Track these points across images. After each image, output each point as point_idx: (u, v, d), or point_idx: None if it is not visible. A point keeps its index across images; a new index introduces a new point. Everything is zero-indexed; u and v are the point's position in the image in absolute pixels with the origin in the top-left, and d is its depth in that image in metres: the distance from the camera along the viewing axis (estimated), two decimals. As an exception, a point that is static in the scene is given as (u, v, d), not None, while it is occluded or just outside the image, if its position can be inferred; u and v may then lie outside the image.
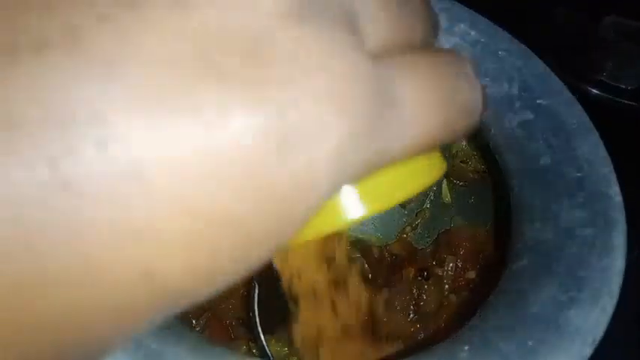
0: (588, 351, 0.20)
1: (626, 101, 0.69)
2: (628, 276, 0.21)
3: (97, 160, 0.08)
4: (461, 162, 0.40)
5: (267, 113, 0.09)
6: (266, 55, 0.09)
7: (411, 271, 0.39)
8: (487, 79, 0.30)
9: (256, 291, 0.35)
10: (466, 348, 0.20)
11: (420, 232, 0.43)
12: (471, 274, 0.37)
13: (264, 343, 0.34)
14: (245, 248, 0.10)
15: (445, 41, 0.31)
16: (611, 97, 0.69)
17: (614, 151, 0.63)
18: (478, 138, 0.30)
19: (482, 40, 0.30)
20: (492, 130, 0.28)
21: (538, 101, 0.28)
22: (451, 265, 0.38)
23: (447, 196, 0.42)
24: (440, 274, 0.38)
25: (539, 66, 0.29)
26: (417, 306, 0.38)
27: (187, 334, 0.20)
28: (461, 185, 0.41)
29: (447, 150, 0.40)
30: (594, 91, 0.70)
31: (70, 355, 0.09)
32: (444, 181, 0.42)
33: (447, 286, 0.38)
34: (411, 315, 0.37)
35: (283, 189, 0.09)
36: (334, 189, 0.10)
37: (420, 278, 0.39)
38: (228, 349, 0.35)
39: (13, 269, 0.08)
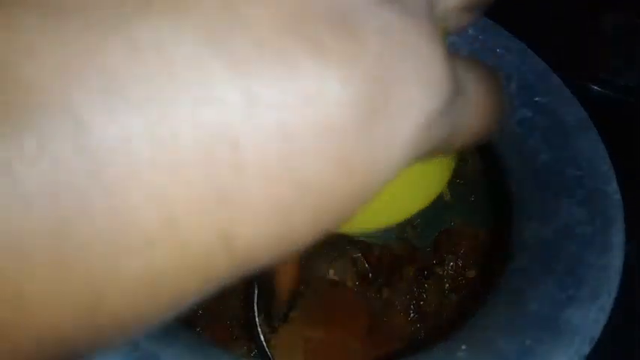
0: (586, 349, 0.20)
1: (627, 98, 0.68)
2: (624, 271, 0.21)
3: (191, 121, 0.08)
4: (460, 161, 0.40)
5: (360, 87, 0.09)
6: (357, 30, 0.09)
7: (411, 271, 0.39)
8: (485, 77, 0.30)
9: (256, 292, 0.35)
10: (464, 347, 0.20)
11: (420, 232, 0.43)
12: (472, 273, 0.37)
13: (263, 343, 0.34)
14: (320, 218, 0.10)
15: (443, 39, 0.31)
16: (612, 93, 0.69)
17: (615, 148, 0.63)
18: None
19: (480, 37, 0.30)
20: (491, 129, 0.28)
21: (536, 99, 0.28)
22: (451, 264, 0.38)
23: (447, 194, 0.41)
24: (440, 273, 0.38)
25: (538, 64, 0.29)
26: (418, 305, 0.38)
27: (183, 334, 0.20)
28: (461, 184, 0.41)
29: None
30: (595, 88, 0.70)
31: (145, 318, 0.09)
32: (445, 180, 0.42)
33: (447, 286, 0.38)
34: (412, 314, 0.37)
35: (365, 161, 0.10)
36: (404, 165, 0.10)
37: (420, 278, 0.39)
38: (226, 349, 0.35)
39: (107, 228, 0.08)
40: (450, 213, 0.41)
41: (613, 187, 0.24)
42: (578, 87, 0.70)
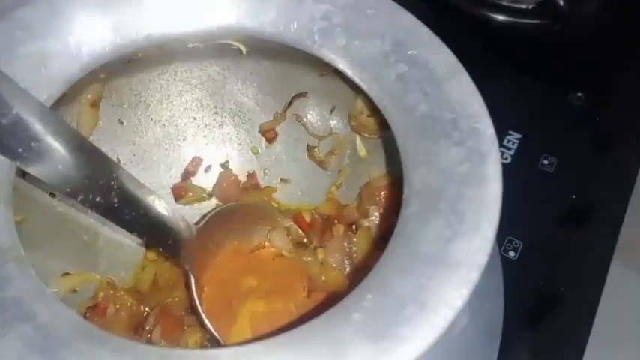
0: (475, 276, 0.22)
1: (528, 21, 0.71)
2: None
3: None
4: (367, 116, 0.42)
5: None
6: None
7: (340, 228, 0.41)
8: (361, 38, 0.31)
9: (192, 280, 0.36)
10: (369, 296, 0.22)
11: (344, 190, 0.45)
12: (394, 220, 0.40)
13: (210, 327, 0.35)
14: None
15: (316, 9, 0.32)
16: (514, 19, 0.72)
17: (522, 70, 0.66)
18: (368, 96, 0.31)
19: (351, 2, 0.31)
20: (374, 87, 0.30)
21: (409, 52, 0.30)
22: (375, 214, 0.40)
23: (362, 151, 0.43)
24: (367, 224, 0.40)
25: (408, 19, 0.31)
26: (351, 259, 0.40)
27: (112, 340, 0.21)
28: (372, 138, 0.43)
29: (353, 107, 0.42)
30: (498, 17, 0.73)
31: None
32: (357, 138, 0.44)
33: (374, 236, 0.40)
34: (347, 269, 0.40)
35: None
36: None
37: (349, 232, 0.41)
38: (178, 340, 0.36)
39: None
40: (367, 167, 0.43)
41: (485, 123, 0.26)
42: (482, 18, 0.73)
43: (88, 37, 0.31)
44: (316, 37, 0.32)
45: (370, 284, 0.23)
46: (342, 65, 0.31)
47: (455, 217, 0.24)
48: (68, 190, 0.28)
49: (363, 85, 0.30)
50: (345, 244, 0.40)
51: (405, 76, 0.29)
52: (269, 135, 0.46)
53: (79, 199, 0.29)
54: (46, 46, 0.30)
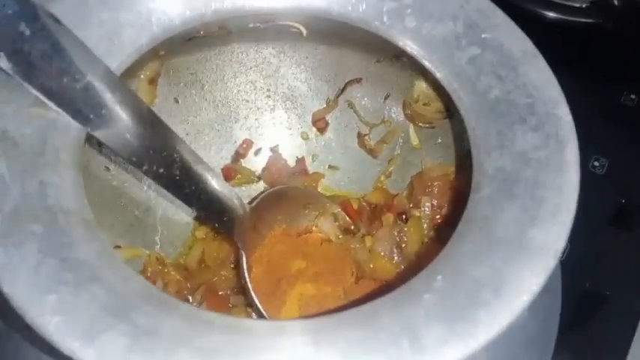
0: (552, 263, 0.22)
1: (581, 19, 0.70)
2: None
3: None
4: (424, 105, 0.41)
5: None
6: None
7: (390, 217, 0.40)
8: (432, 20, 0.30)
9: (244, 259, 0.36)
10: (439, 278, 0.22)
11: (394, 179, 0.44)
12: (446, 210, 0.39)
13: (258, 305, 0.35)
14: None
15: (388, -11, 0.31)
16: (566, 17, 0.71)
17: (574, 69, 0.65)
18: (432, 80, 0.31)
19: (423, -17, 0.31)
20: (443, 71, 0.29)
21: (483, 36, 0.29)
22: (427, 204, 0.40)
23: (415, 140, 0.43)
24: (418, 215, 0.40)
25: (481, 1, 0.30)
26: (400, 249, 0.39)
27: (181, 306, 0.21)
28: (427, 127, 0.42)
29: (409, 95, 0.41)
30: (550, 14, 0.71)
31: None
32: (411, 126, 0.43)
33: (425, 226, 0.39)
34: (396, 258, 0.39)
35: None
36: None
37: (399, 222, 0.40)
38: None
39: None
40: (419, 156, 0.42)
41: (563, 110, 0.26)
42: (534, 15, 0.71)
43: (159, 9, 0.31)
44: (385, 18, 0.31)
45: (440, 267, 0.23)
46: (410, 48, 0.31)
47: (532, 202, 0.23)
48: (134, 159, 0.29)
49: (432, 69, 0.30)
50: (395, 233, 0.39)
51: (477, 60, 0.29)
52: (320, 124, 0.45)
53: (143, 168, 0.29)
54: (119, 15, 0.30)
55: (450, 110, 0.37)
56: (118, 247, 0.39)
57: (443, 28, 0.30)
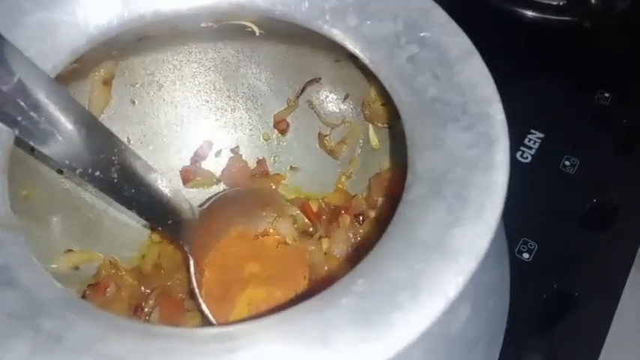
0: (473, 265, 0.21)
1: (557, 17, 0.69)
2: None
3: None
4: (382, 105, 0.41)
5: None
6: None
7: (346, 218, 0.40)
8: (374, 19, 0.30)
9: (191, 262, 0.36)
10: (360, 281, 0.21)
11: (354, 180, 0.44)
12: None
13: (205, 309, 0.35)
14: None
15: (328, -12, 0.31)
16: (543, 16, 0.70)
17: (550, 67, 0.64)
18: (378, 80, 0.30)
19: (365, -19, 0.30)
20: (384, 70, 0.29)
21: (422, 34, 0.28)
22: (385, 206, 0.39)
23: (374, 140, 0.42)
24: (374, 216, 0.39)
25: (424, 1, 0.30)
26: (356, 250, 0.39)
27: (90, 311, 0.21)
28: (385, 128, 0.42)
29: (367, 94, 0.41)
30: (529, 13, 0.71)
31: None
32: (370, 127, 0.43)
33: (382, 228, 0.39)
34: (352, 260, 0.38)
35: None
36: None
37: (356, 223, 0.40)
38: (178, 323, 0.36)
39: None
40: (379, 158, 0.42)
41: (495, 109, 0.25)
42: (514, 15, 0.71)
43: (96, 9, 0.31)
44: (327, 17, 0.31)
45: (363, 269, 0.22)
46: (351, 46, 0.30)
47: (458, 202, 0.23)
48: (67, 162, 0.28)
49: (373, 67, 0.29)
50: (350, 234, 0.39)
51: (416, 58, 0.28)
52: (281, 126, 0.45)
53: (77, 172, 0.28)
54: (53, 16, 0.30)
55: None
56: (70, 250, 0.39)
57: (383, 27, 0.29)
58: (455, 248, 0.22)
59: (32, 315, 0.20)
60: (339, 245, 0.38)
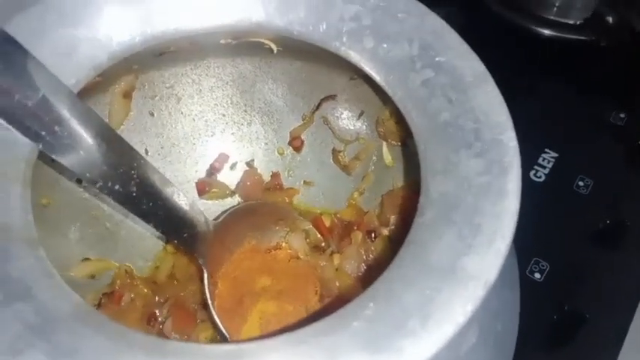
0: (481, 293, 0.21)
1: (574, 37, 0.69)
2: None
3: None
4: (396, 123, 0.41)
5: None
6: None
7: (358, 235, 0.40)
8: (389, 42, 0.30)
9: (205, 275, 0.36)
10: (371, 305, 0.22)
11: (367, 196, 0.44)
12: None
13: (218, 322, 0.35)
14: None
15: (345, 10, 0.31)
16: (560, 34, 0.70)
17: (566, 87, 0.64)
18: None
19: (382, 4, 0.31)
20: (399, 92, 0.29)
21: (437, 59, 0.29)
22: (397, 224, 0.40)
23: (387, 158, 0.43)
24: (386, 234, 0.40)
25: (437, 24, 0.30)
26: (367, 267, 0.39)
27: (106, 325, 0.21)
28: (399, 146, 0.42)
29: (382, 112, 0.41)
30: (545, 31, 0.71)
31: None
32: (384, 144, 0.43)
33: (393, 245, 0.39)
34: (362, 277, 0.39)
35: None
36: None
37: (368, 240, 0.40)
38: (191, 333, 0.36)
39: None
40: (392, 175, 0.42)
41: (509, 136, 0.26)
42: (530, 33, 0.71)
43: (119, 26, 0.32)
44: (344, 39, 0.32)
45: (375, 293, 0.23)
46: (368, 68, 0.31)
47: (469, 229, 0.23)
48: (88, 175, 0.29)
49: (388, 89, 0.30)
50: (362, 251, 0.39)
51: (430, 82, 0.28)
52: (296, 143, 0.45)
53: (97, 185, 0.29)
54: (77, 32, 0.31)
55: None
56: (87, 259, 0.40)
57: (399, 50, 0.30)
58: (465, 275, 0.22)
59: (48, 328, 0.21)
60: (350, 262, 0.39)
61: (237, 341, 0.21)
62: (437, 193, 0.25)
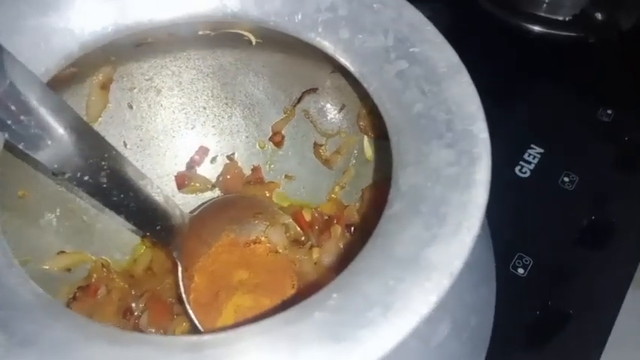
0: (445, 283, 0.21)
1: (564, 33, 0.69)
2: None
3: None
4: (373, 115, 0.41)
5: None
6: None
7: (338, 229, 0.40)
8: (365, 33, 0.30)
9: (179, 268, 0.36)
10: (335, 295, 0.22)
11: (348, 190, 0.44)
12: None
13: (192, 316, 0.35)
14: None
15: (322, 0, 0.31)
16: (549, 30, 0.70)
17: (553, 83, 0.64)
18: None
19: (357, -6, 0.31)
20: (373, 83, 0.29)
21: (411, 50, 0.29)
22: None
23: (368, 152, 0.42)
24: (366, 228, 0.39)
25: (414, 16, 0.30)
26: (346, 261, 0.39)
27: (65, 315, 0.21)
28: (380, 141, 0.42)
29: (363, 106, 0.41)
30: (534, 28, 0.71)
31: None
32: (365, 138, 0.43)
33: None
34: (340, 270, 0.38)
35: None
36: None
37: (347, 234, 0.40)
38: (166, 328, 0.36)
39: None
40: (372, 169, 0.42)
41: (479, 127, 0.25)
42: (519, 29, 0.71)
43: (91, 16, 0.31)
44: (320, 29, 0.31)
45: (339, 284, 0.22)
46: (343, 59, 0.30)
47: (436, 220, 0.23)
48: (55, 166, 0.28)
49: (363, 81, 0.29)
50: (341, 245, 0.39)
51: (404, 73, 0.28)
52: (276, 138, 0.45)
53: (66, 176, 0.29)
54: (48, 21, 0.30)
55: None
56: (62, 252, 0.39)
57: (374, 41, 0.30)
58: (429, 266, 0.22)
59: (7, 318, 0.20)
60: (329, 255, 0.39)
61: (201, 333, 0.21)
62: (406, 185, 0.25)
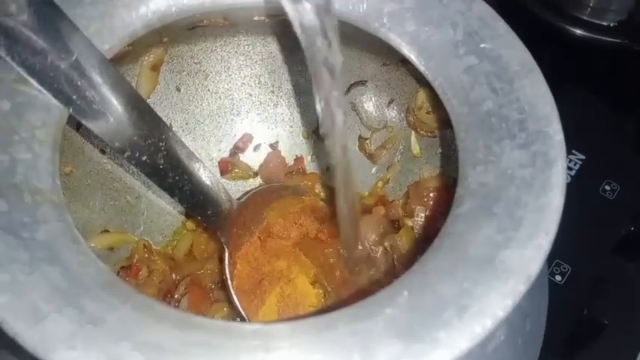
0: (522, 288, 0.21)
1: (608, 38, 0.68)
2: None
3: None
4: (427, 113, 0.40)
5: None
6: None
7: (381, 209, 0.39)
8: (432, 25, 0.30)
9: (226, 254, 0.36)
10: (405, 293, 0.21)
11: (391, 186, 0.43)
12: (441, 223, 0.38)
13: (236, 303, 0.35)
14: None
15: (390, -8, 0.30)
16: (593, 35, 0.69)
17: (596, 89, 0.63)
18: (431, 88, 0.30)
19: (427, -13, 0.30)
20: (439, 78, 0.28)
21: (482, 45, 0.28)
22: (421, 215, 0.39)
23: (415, 148, 0.42)
24: (410, 224, 0.39)
25: (484, 10, 0.29)
26: (391, 257, 0.38)
27: (133, 296, 0.21)
28: (429, 136, 0.41)
29: (413, 101, 0.40)
30: (577, 31, 0.69)
31: None
32: (413, 134, 0.42)
33: (417, 236, 0.38)
34: (384, 266, 0.38)
35: None
36: None
37: (391, 229, 0.39)
38: (206, 313, 0.36)
39: None
40: (418, 165, 0.42)
41: (554, 129, 0.25)
42: (562, 32, 0.69)
43: (156, -6, 0.31)
44: (385, 20, 0.31)
45: (408, 281, 0.22)
46: (407, 52, 0.30)
47: (510, 222, 0.22)
48: (117, 144, 0.28)
49: (428, 75, 0.29)
50: (381, 227, 0.38)
51: (474, 70, 0.28)
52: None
53: (125, 154, 0.29)
54: (114, -2, 0.30)
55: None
56: (106, 231, 0.39)
57: (442, 35, 0.29)
58: (505, 269, 0.21)
59: (76, 294, 0.20)
60: (367, 230, 0.38)
61: (265, 322, 0.20)
62: (476, 184, 0.24)
